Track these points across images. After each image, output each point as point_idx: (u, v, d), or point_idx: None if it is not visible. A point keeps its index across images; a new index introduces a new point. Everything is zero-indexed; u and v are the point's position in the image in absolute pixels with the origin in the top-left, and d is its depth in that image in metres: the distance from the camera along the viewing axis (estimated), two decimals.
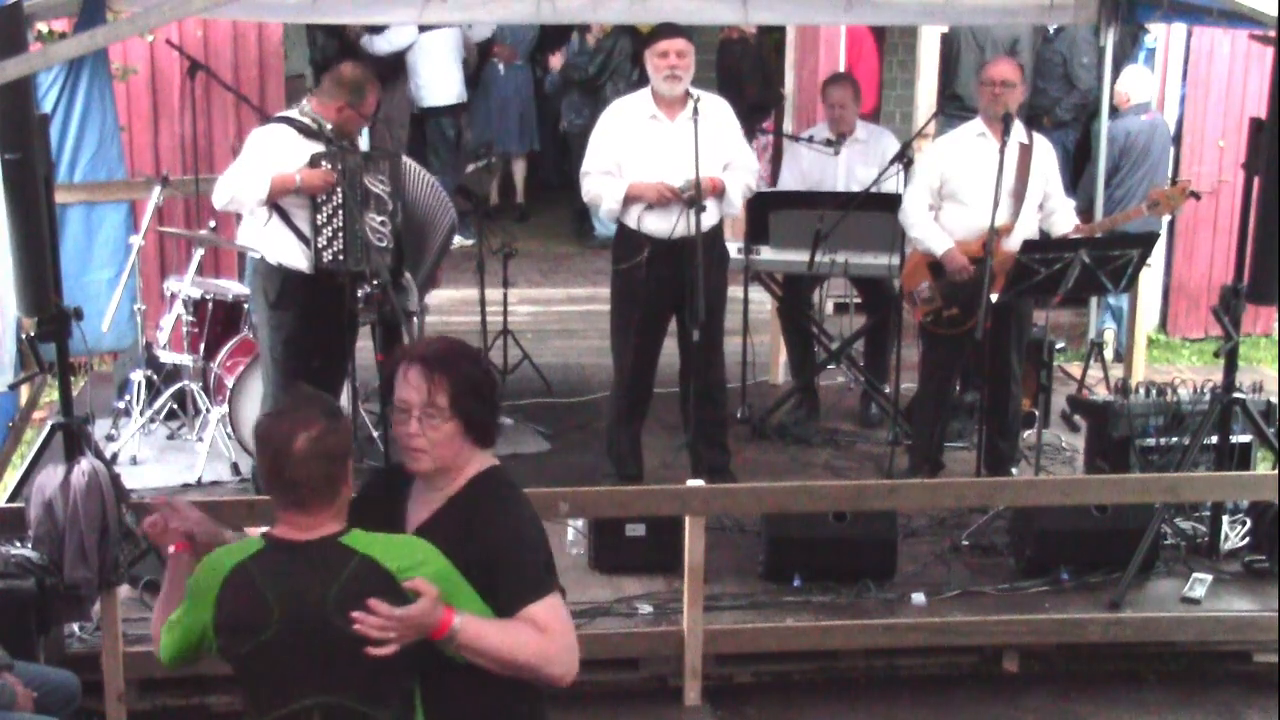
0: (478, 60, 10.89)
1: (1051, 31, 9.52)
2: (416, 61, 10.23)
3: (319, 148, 5.73)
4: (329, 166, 5.68)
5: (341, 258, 5.75)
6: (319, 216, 5.71)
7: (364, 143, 6.13)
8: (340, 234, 5.73)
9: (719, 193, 6.17)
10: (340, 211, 5.72)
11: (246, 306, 6.64)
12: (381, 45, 9.99)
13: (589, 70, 10.28)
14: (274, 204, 5.76)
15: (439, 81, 10.29)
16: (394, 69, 10.15)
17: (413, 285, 6.01)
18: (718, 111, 6.26)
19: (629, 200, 6.14)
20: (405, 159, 6.02)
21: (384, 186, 5.78)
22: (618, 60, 10.15)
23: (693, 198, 5.96)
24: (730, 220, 6.83)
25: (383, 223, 5.77)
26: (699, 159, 5.91)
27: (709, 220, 6.18)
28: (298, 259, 5.79)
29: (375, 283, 5.82)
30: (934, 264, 6.35)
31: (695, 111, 5.94)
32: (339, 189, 5.69)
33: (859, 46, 9.76)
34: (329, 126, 5.77)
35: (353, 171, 5.71)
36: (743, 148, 6.39)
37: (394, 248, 5.83)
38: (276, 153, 5.70)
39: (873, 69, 9.94)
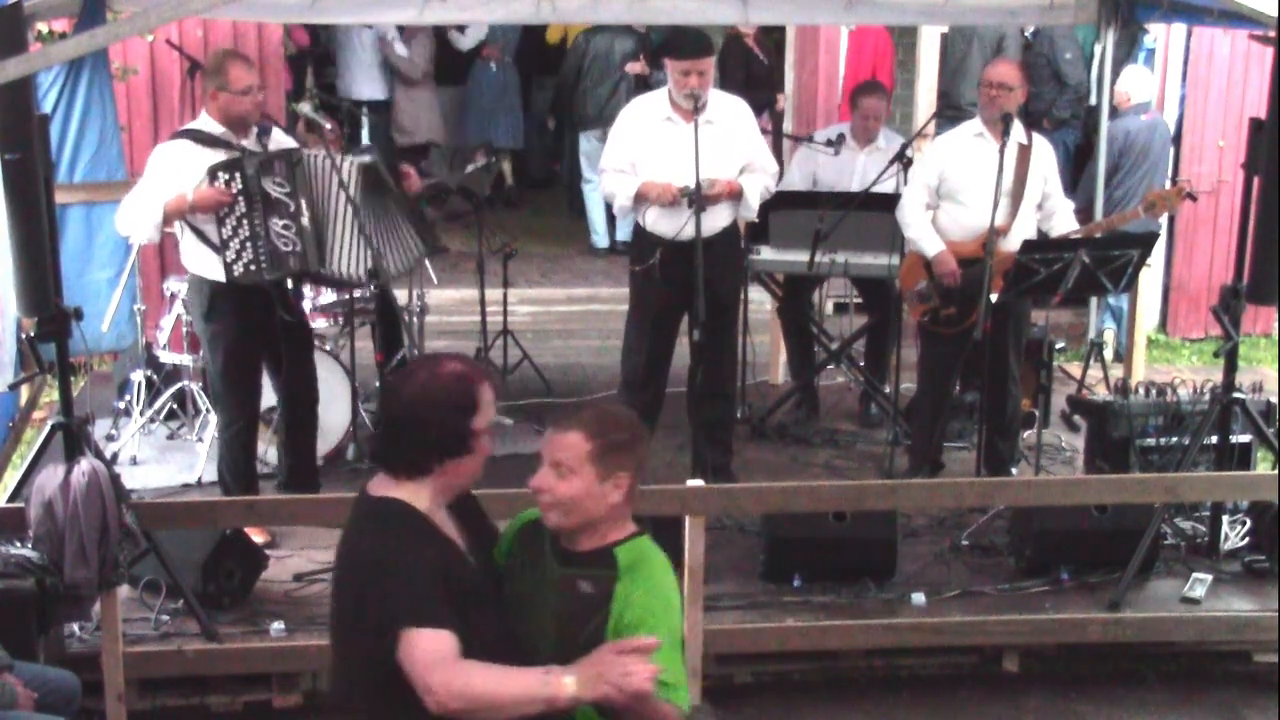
0: (468, 58, 11.14)
1: (1029, 34, 9.53)
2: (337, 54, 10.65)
3: (220, 155, 5.60)
4: (225, 178, 5.55)
5: (254, 268, 5.62)
6: (224, 230, 5.59)
7: (284, 139, 5.91)
8: (249, 245, 5.61)
9: (736, 195, 6.18)
10: (245, 222, 5.59)
11: None
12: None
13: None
14: (184, 220, 5.70)
15: (362, 77, 10.62)
16: None
17: (347, 275, 5.79)
18: (735, 113, 6.26)
19: (638, 199, 6.16)
20: (308, 152, 5.76)
21: (283, 189, 5.62)
22: (589, 61, 10.17)
23: (703, 199, 6.00)
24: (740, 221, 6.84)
25: (285, 226, 5.62)
26: (710, 161, 5.93)
27: (723, 221, 6.20)
28: (217, 271, 5.70)
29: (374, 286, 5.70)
30: (926, 265, 6.36)
31: (696, 111, 5.94)
32: (239, 199, 5.57)
33: (884, 53, 9.77)
34: (222, 131, 5.65)
35: (250, 179, 5.57)
36: (761, 149, 6.38)
37: (302, 250, 5.65)
38: (174, 171, 5.59)
39: (890, 73, 9.97)
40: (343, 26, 10.24)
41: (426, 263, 7.46)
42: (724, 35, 10.23)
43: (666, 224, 6.16)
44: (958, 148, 6.37)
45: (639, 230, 6.32)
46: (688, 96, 6.03)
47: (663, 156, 6.13)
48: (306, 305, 6.59)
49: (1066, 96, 9.51)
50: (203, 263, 5.75)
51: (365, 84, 10.62)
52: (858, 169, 7.35)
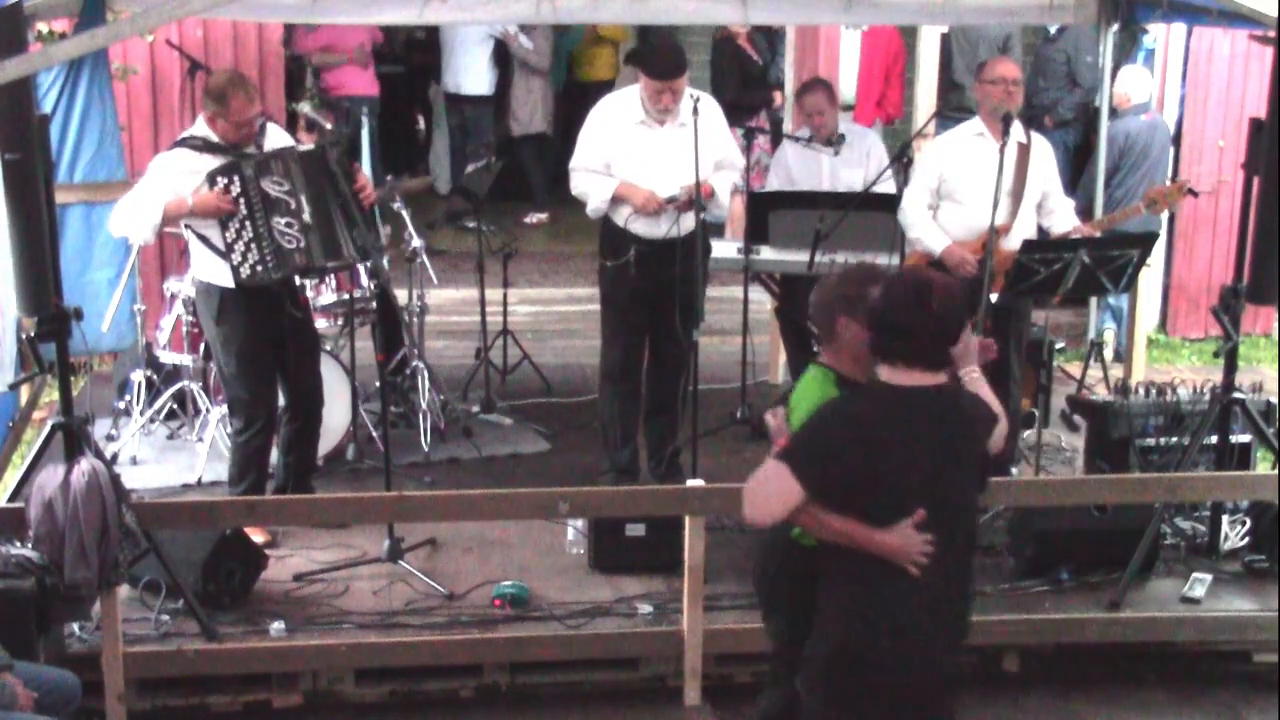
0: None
1: (1054, 31, 9.53)
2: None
3: (219, 161, 5.61)
4: (224, 182, 5.57)
5: (261, 269, 5.64)
6: (228, 234, 5.62)
7: (279, 137, 5.96)
8: (253, 246, 5.62)
9: (709, 196, 6.16)
10: (248, 224, 5.61)
11: None
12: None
13: None
14: (188, 227, 5.74)
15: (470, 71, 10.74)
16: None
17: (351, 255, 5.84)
18: (705, 112, 6.23)
19: (616, 200, 6.16)
20: (302, 148, 5.84)
21: (282, 187, 5.63)
22: None
23: (685, 204, 6.02)
24: (730, 221, 6.83)
25: (288, 224, 5.63)
26: (687, 164, 5.92)
27: (694, 222, 6.20)
28: (225, 277, 5.72)
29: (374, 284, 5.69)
30: (934, 264, 6.35)
31: (696, 112, 5.94)
32: (240, 203, 5.59)
33: (898, 55, 9.76)
34: (216, 140, 5.67)
35: (249, 180, 5.59)
36: (731, 147, 6.42)
37: (306, 246, 5.67)
38: (174, 177, 5.62)
39: (901, 74, 9.96)
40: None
41: (427, 263, 7.46)
42: (716, 37, 10.23)
43: (643, 224, 6.16)
44: (957, 148, 6.36)
45: (611, 226, 6.28)
46: (662, 111, 6.05)
47: (638, 160, 6.13)
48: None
49: (1075, 98, 9.51)
50: (210, 269, 5.78)
51: (473, 78, 10.80)
52: (825, 166, 7.34)
